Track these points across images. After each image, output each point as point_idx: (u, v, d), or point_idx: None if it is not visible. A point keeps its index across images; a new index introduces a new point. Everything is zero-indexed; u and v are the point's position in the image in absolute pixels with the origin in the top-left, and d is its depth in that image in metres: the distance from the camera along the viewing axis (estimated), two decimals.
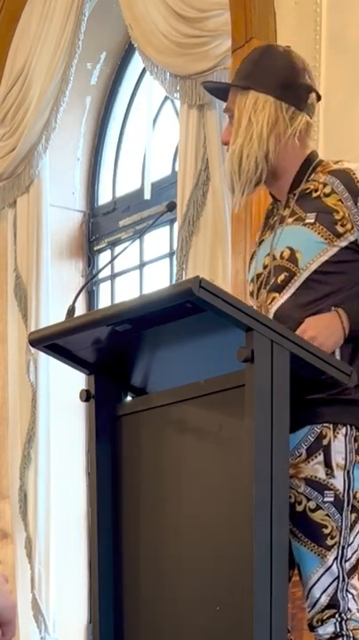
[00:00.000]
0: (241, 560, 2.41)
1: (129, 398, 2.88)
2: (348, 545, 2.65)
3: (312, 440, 2.66)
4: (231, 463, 2.50)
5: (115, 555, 2.79)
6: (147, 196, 5.20)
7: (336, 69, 3.84)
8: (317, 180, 2.80)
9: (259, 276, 2.84)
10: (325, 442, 2.66)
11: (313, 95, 2.87)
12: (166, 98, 5.13)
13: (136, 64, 5.42)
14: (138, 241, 5.19)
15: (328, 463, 2.65)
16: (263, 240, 2.89)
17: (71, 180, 5.62)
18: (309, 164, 2.84)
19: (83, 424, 5.33)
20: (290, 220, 2.80)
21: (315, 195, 2.79)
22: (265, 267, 2.83)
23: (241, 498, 2.43)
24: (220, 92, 2.98)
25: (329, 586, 2.65)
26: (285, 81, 2.83)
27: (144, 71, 5.19)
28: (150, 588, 2.71)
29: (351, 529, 2.66)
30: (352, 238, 2.74)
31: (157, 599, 2.68)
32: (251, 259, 2.94)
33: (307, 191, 2.80)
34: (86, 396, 2.81)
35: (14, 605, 1.34)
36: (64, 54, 5.22)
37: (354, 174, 2.76)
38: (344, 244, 2.74)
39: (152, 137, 5.25)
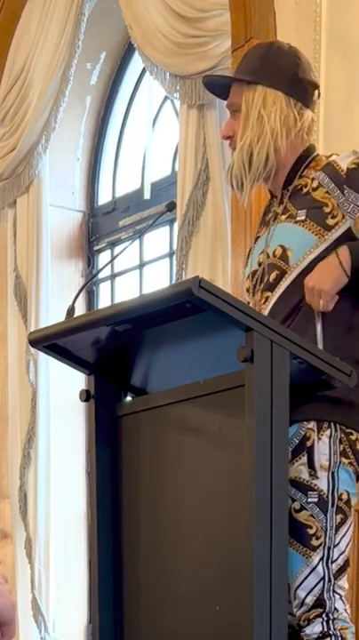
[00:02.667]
0: (241, 560, 2.41)
1: (129, 398, 2.88)
2: (334, 546, 2.65)
3: (297, 442, 2.66)
4: (231, 463, 2.49)
5: (115, 555, 2.79)
6: (147, 195, 5.20)
7: (336, 69, 3.84)
8: (308, 176, 2.80)
9: (254, 273, 2.85)
10: (309, 443, 2.66)
11: (316, 92, 2.89)
12: (166, 98, 5.13)
13: (136, 64, 5.43)
14: (138, 241, 5.19)
15: (311, 464, 2.65)
16: (259, 237, 2.89)
17: (71, 180, 5.62)
18: (303, 159, 2.84)
19: (83, 424, 5.33)
20: (283, 217, 2.80)
21: (304, 190, 2.79)
22: (259, 264, 2.83)
23: (241, 497, 2.43)
24: (218, 88, 2.96)
25: (315, 586, 2.64)
26: (293, 77, 2.84)
27: (144, 71, 5.19)
28: (150, 588, 2.71)
29: (337, 530, 2.65)
30: (344, 228, 2.72)
31: (157, 599, 2.68)
32: (249, 255, 2.95)
33: (299, 187, 2.81)
34: (86, 395, 2.81)
35: (14, 605, 1.34)
36: (64, 54, 5.22)
37: (337, 165, 2.77)
38: (336, 235, 2.72)
39: (152, 137, 5.25)
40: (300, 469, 2.65)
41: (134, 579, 2.75)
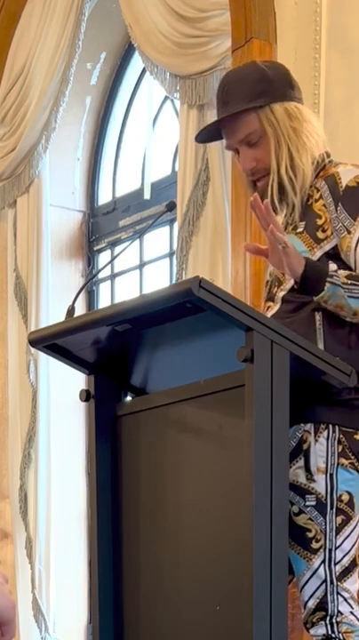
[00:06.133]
0: (241, 560, 2.41)
1: (129, 398, 2.88)
2: (336, 548, 2.63)
3: (293, 445, 2.65)
4: (231, 463, 2.49)
5: (115, 555, 2.79)
6: (147, 195, 5.20)
7: (336, 69, 3.84)
8: (314, 186, 2.76)
9: (267, 282, 2.87)
10: (305, 446, 2.65)
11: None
12: (166, 98, 5.13)
13: (136, 64, 5.42)
14: (138, 241, 5.19)
15: (308, 468, 2.64)
16: None
17: (71, 180, 5.62)
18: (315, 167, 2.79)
19: (83, 424, 5.33)
20: (290, 227, 2.78)
21: (310, 201, 2.75)
22: (271, 274, 2.85)
23: (241, 498, 2.43)
24: (209, 133, 2.88)
25: (317, 589, 2.63)
26: (292, 83, 2.82)
27: (144, 71, 5.19)
28: (150, 588, 2.71)
29: (338, 532, 2.64)
30: (331, 244, 2.69)
31: (157, 599, 2.68)
32: None
33: (307, 198, 2.77)
34: (86, 395, 2.81)
35: (14, 605, 1.34)
36: (64, 54, 5.22)
37: (338, 178, 2.71)
38: (323, 250, 2.69)
39: (152, 137, 5.25)
40: (298, 473, 2.65)
41: (134, 578, 2.75)
